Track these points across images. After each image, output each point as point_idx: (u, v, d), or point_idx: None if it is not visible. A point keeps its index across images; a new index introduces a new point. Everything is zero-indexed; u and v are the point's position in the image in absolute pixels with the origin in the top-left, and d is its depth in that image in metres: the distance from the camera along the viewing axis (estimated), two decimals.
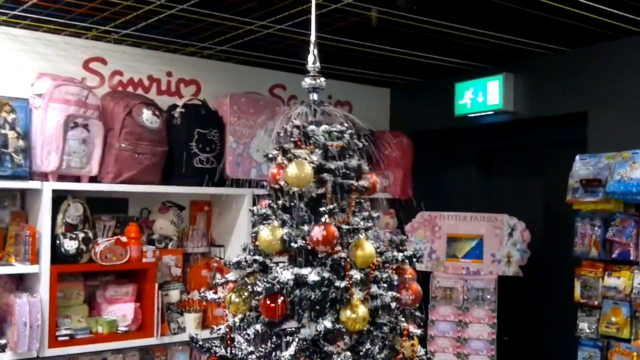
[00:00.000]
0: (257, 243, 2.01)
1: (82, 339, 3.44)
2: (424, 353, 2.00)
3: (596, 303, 3.49)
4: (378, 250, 2.01)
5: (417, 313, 2.06)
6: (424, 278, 4.02)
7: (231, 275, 2.03)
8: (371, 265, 1.95)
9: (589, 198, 3.47)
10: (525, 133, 4.40)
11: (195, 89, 4.14)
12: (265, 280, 1.91)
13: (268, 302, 1.91)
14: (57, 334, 3.35)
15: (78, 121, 3.37)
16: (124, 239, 3.55)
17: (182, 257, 3.95)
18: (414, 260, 2.04)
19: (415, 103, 4.81)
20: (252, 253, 2.02)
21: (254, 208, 2.04)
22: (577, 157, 3.62)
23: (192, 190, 3.84)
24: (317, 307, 1.90)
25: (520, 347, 4.28)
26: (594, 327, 3.50)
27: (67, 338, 3.39)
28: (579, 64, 3.86)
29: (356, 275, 1.88)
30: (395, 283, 2.01)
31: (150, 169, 3.62)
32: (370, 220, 2.03)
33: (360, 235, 1.95)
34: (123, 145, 3.50)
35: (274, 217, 1.99)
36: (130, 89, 3.90)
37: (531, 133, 4.38)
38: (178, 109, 3.77)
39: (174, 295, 3.83)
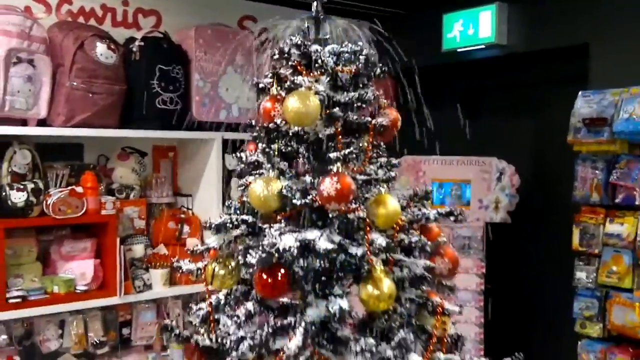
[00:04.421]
0: (244, 199, 1.62)
1: (36, 300, 3.09)
2: (455, 333, 1.65)
3: (596, 251, 3.25)
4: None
5: (449, 283, 1.71)
6: None
7: (212, 241, 1.65)
8: (395, 225, 1.58)
9: (592, 138, 3.19)
10: (517, 69, 4.06)
11: (155, 20, 3.70)
12: (260, 247, 1.50)
13: (264, 275, 1.52)
14: (8, 295, 2.99)
15: (22, 56, 2.96)
16: (79, 189, 3.17)
17: (145, 209, 3.60)
18: (453, 218, 1.68)
19: (398, 38, 4.43)
20: (238, 212, 1.63)
21: (242, 154, 1.64)
22: (580, 93, 3.31)
23: (154, 135, 3.45)
24: (327, 281, 1.54)
25: (511, 298, 4.07)
26: (592, 276, 3.27)
27: (19, 300, 3.02)
28: None
29: (379, 239, 1.51)
30: (428, 248, 1.64)
31: (107, 110, 3.24)
32: (390, 169, 1.67)
33: (380, 188, 1.59)
34: (75, 83, 3.10)
35: (269, 165, 1.59)
36: (81, 19, 3.45)
37: (524, 69, 4.03)
38: (137, 43, 3.35)
39: (138, 250, 3.50)
